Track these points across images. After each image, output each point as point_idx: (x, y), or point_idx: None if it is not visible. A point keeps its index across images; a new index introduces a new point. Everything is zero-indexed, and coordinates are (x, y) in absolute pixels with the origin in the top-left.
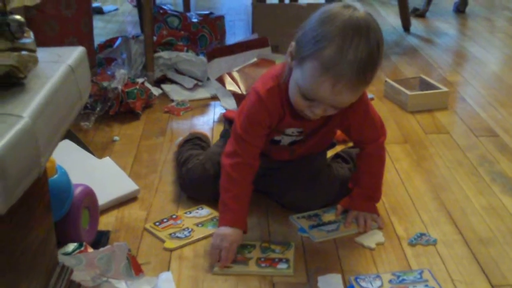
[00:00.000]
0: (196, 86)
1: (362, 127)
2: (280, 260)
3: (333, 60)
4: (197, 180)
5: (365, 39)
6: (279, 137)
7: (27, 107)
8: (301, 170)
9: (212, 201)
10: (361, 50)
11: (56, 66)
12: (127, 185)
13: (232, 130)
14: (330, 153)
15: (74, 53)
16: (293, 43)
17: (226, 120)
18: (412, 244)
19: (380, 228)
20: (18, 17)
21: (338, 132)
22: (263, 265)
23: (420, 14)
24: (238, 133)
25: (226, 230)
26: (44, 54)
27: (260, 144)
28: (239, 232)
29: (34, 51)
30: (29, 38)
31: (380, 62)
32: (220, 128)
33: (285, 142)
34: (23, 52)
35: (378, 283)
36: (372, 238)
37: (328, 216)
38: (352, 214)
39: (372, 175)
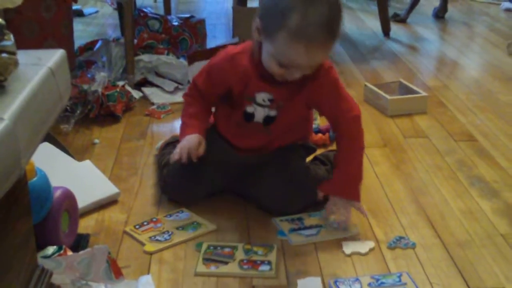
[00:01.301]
0: (176, 89)
1: (335, 100)
2: (262, 262)
3: (300, 27)
4: (178, 183)
5: None
6: (251, 108)
7: (8, 109)
8: (278, 172)
9: (193, 204)
10: (322, 10)
11: (37, 68)
12: (107, 188)
13: (192, 81)
14: (309, 159)
15: (55, 56)
16: (257, 19)
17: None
18: (391, 248)
19: (363, 215)
20: None
21: (318, 136)
22: (245, 266)
23: (401, 20)
24: (195, 81)
25: (188, 136)
26: (24, 56)
27: (211, 98)
28: (203, 138)
29: (14, 53)
30: (9, 40)
31: (342, 15)
32: None
33: (259, 116)
34: (3, 55)
35: (357, 286)
36: (362, 246)
37: (312, 220)
38: (332, 201)
39: (352, 152)
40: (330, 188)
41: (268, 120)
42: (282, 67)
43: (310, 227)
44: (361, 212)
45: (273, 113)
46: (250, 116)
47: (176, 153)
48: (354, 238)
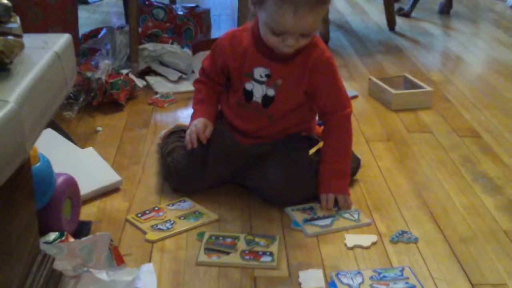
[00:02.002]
0: (180, 79)
1: (329, 93)
2: (264, 253)
3: None
4: (182, 170)
5: None
6: (250, 85)
7: (13, 92)
8: (281, 162)
9: (196, 194)
10: None
11: (42, 52)
12: (110, 176)
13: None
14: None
15: (61, 40)
16: None
17: None
18: (393, 242)
19: (348, 208)
20: (4, 1)
21: (321, 129)
22: (247, 257)
23: (405, 14)
24: (203, 65)
25: (195, 121)
26: (30, 40)
27: (216, 77)
28: (209, 121)
29: (20, 36)
30: (15, 23)
31: None
32: None
33: (258, 94)
34: (9, 37)
35: (359, 279)
36: (364, 239)
37: (323, 211)
38: (323, 197)
39: (339, 149)
40: (320, 186)
41: (266, 100)
42: (275, 35)
43: (324, 217)
44: (347, 205)
45: (270, 92)
46: (249, 94)
47: (187, 141)
48: (359, 230)
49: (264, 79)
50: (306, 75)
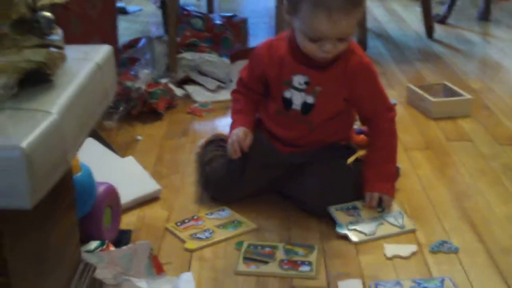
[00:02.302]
0: (219, 88)
1: (373, 97)
2: (303, 262)
3: None
4: (222, 179)
5: None
6: (289, 93)
7: (55, 103)
8: (320, 171)
9: (234, 203)
10: None
11: (84, 63)
12: (149, 185)
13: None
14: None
15: (101, 51)
16: (284, 2)
17: None
18: (433, 252)
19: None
20: (47, 14)
21: (360, 137)
22: (285, 267)
23: (441, 20)
24: (241, 76)
25: (234, 131)
26: (71, 51)
27: (255, 87)
28: (249, 130)
29: (62, 48)
30: (57, 35)
31: None
32: None
33: (297, 102)
34: (52, 49)
35: None
36: (404, 249)
37: (367, 212)
38: (368, 196)
39: (385, 150)
40: (365, 186)
41: (306, 107)
42: (312, 41)
43: (368, 220)
44: (386, 206)
45: (310, 99)
46: (289, 102)
47: (229, 151)
48: (398, 240)
49: (303, 86)
50: (346, 82)
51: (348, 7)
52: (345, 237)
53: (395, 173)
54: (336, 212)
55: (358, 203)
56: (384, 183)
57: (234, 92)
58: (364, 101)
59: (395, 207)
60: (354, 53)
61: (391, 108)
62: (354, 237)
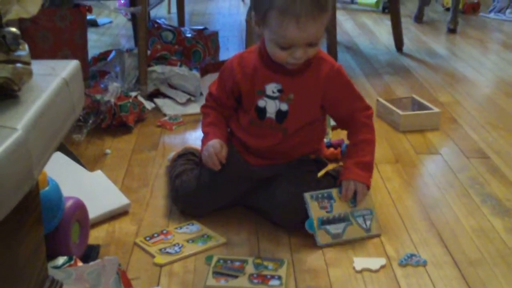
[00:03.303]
0: (189, 101)
1: (349, 98)
2: (273, 276)
3: (287, 2)
4: (191, 193)
5: None
6: (262, 102)
7: (21, 119)
8: (290, 185)
9: (204, 217)
10: None
11: (50, 79)
12: (118, 199)
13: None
14: (321, 173)
15: (69, 67)
16: (252, 12)
17: None
18: (402, 265)
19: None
20: (13, 29)
21: (329, 151)
22: (255, 281)
23: (451, 30)
24: (210, 90)
25: (210, 143)
26: (38, 66)
27: (222, 99)
28: (223, 142)
29: (29, 63)
30: (24, 50)
31: None
32: None
33: (271, 110)
34: (18, 65)
35: None
36: (373, 262)
37: (340, 205)
38: (345, 186)
39: (365, 143)
40: (343, 174)
41: (280, 115)
42: (282, 49)
43: (339, 219)
44: (361, 196)
45: (284, 107)
46: (263, 112)
47: (209, 164)
48: (366, 253)
49: (277, 94)
50: (319, 89)
51: (315, 13)
52: (313, 237)
53: (373, 166)
54: (311, 201)
55: (334, 192)
56: (362, 171)
57: (204, 107)
58: (340, 103)
59: (369, 202)
60: (324, 60)
61: (368, 107)
62: (320, 238)
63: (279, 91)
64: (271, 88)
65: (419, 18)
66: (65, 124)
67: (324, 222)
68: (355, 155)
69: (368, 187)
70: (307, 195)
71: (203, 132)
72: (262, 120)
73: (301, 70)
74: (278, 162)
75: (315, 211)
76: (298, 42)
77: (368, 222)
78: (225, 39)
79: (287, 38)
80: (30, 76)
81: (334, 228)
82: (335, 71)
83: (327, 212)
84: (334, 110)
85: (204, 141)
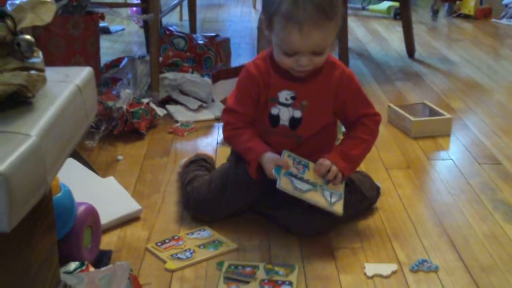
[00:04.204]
0: (200, 108)
1: (357, 103)
2: (283, 282)
3: (291, 9)
4: (203, 199)
5: None
6: (276, 110)
7: (35, 126)
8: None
9: (215, 223)
10: None
11: (64, 85)
12: (130, 205)
13: (224, 109)
14: None
15: (82, 73)
16: (262, 17)
17: None
18: (413, 271)
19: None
20: (28, 37)
21: None
22: (266, 286)
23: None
24: (229, 107)
25: (264, 155)
26: (52, 73)
27: (250, 112)
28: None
29: (43, 70)
30: (38, 57)
31: None
32: (224, 149)
33: (285, 118)
34: (32, 72)
35: None
36: (384, 268)
37: (313, 175)
38: (320, 161)
39: (360, 140)
40: (327, 155)
41: (294, 122)
42: (288, 56)
43: (306, 181)
44: (334, 179)
45: (297, 114)
46: (276, 119)
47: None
48: (379, 259)
49: (290, 101)
50: (332, 95)
51: (319, 21)
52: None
53: (357, 163)
54: (287, 156)
55: (310, 164)
56: (342, 161)
57: (231, 130)
58: (349, 107)
59: (341, 188)
60: (335, 65)
61: (376, 113)
62: (282, 183)
63: (292, 98)
64: (284, 95)
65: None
66: (79, 130)
67: (292, 175)
68: (344, 146)
69: (343, 176)
70: (286, 152)
71: (246, 147)
72: (275, 128)
73: (313, 76)
74: None
75: (289, 163)
76: (301, 49)
77: (333, 199)
78: (236, 46)
79: (291, 45)
80: (44, 83)
81: (298, 183)
82: (347, 76)
83: (297, 172)
84: (343, 115)
85: (251, 152)
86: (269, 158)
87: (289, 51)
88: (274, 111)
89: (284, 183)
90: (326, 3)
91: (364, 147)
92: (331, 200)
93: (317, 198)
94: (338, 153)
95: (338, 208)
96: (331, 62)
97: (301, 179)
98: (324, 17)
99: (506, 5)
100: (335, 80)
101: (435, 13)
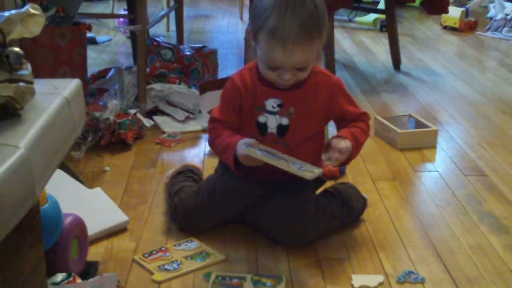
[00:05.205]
0: (187, 119)
1: (351, 109)
2: None
3: (276, 25)
4: (190, 210)
5: (301, 1)
6: (263, 118)
7: (23, 137)
8: (287, 203)
9: (202, 234)
10: (298, 10)
11: (52, 98)
12: (117, 216)
13: (209, 118)
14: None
15: (70, 85)
16: (249, 28)
17: None
18: (400, 282)
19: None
20: (16, 49)
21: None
22: None
23: None
24: (213, 116)
25: (238, 143)
26: (40, 85)
27: (233, 121)
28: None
29: (31, 82)
30: (26, 69)
31: (322, 17)
32: (211, 160)
33: (272, 125)
34: (21, 84)
35: None
36: (371, 279)
37: (286, 156)
38: (338, 137)
39: (361, 130)
40: (344, 133)
41: (281, 129)
42: (271, 70)
43: (277, 155)
44: (329, 161)
45: (285, 121)
46: (264, 127)
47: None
48: (364, 270)
49: (277, 109)
50: (320, 102)
51: (303, 40)
52: None
53: (356, 155)
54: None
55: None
56: (355, 144)
57: (211, 134)
58: (345, 114)
59: (315, 170)
60: (321, 73)
61: (365, 114)
62: (251, 150)
63: (279, 105)
64: (271, 103)
65: None
66: (67, 142)
67: (264, 150)
68: (353, 129)
69: (348, 160)
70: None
71: (224, 143)
72: (264, 136)
73: (299, 84)
74: (277, 178)
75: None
76: (284, 66)
77: (303, 168)
78: (223, 57)
79: (274, 61)
80: (33, 95)
81: (270, 154)
82: (335, 82)
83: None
84: (340, 121)
85: (228, 148)
86: (240, 142)
87: (272, 66)
88: (261, 119)
89: (252, 151)
90: (312, 21)
91: (365, 139)
92: (301, 168)
93: (287, 167)
94: (351, 135)
95: (308, 174)
96: (317, 71)
97: (272, 153)
98: (309, 36)
99: (491, 18)
100: (324, 86)
101: None
